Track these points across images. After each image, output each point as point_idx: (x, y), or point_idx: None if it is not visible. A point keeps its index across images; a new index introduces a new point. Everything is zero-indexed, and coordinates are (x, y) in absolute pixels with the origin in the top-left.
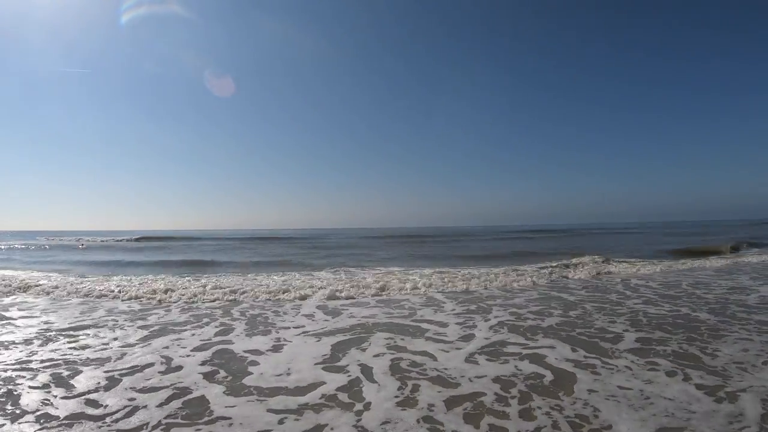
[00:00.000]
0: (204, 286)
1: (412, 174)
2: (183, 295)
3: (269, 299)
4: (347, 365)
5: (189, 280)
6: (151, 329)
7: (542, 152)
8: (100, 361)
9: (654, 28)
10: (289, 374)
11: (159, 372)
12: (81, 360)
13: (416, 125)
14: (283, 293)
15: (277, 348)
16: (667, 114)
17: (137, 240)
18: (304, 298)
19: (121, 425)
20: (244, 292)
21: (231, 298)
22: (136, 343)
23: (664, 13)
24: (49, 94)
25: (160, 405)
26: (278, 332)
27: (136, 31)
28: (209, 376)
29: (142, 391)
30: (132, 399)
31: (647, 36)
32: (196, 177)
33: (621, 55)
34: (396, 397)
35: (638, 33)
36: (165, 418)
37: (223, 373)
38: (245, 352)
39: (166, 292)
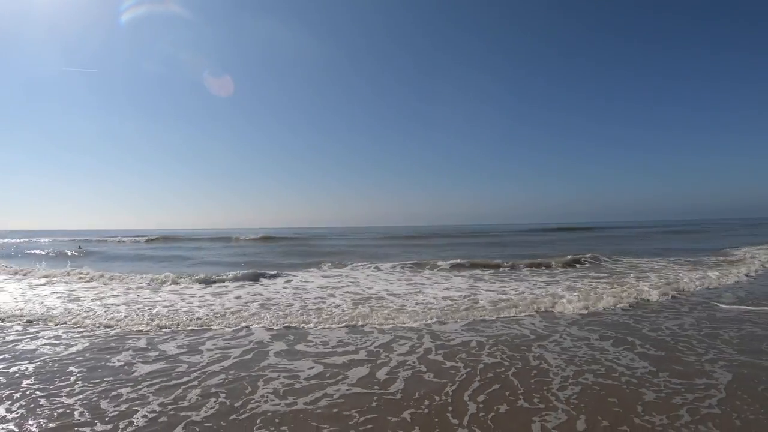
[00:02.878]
0: None
1: (404, 177)
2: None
3: None
4: None
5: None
6: None
7: (531, 157)
8: None
9: (658, 25)
10: None
11: None
12: None
13: (408, 132)
14: None
15: None
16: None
17: (149, 240)
18: None
19: None
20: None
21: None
22: None
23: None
24: (50, 93)
25: None
26: None
27: (136, 31)
28: None
29: None
30: None
31: (647, 39)
32: (195, 175)
33: (614, 64)
34: None
35: (637, 37)
36: None
37: None
38: None
39: None
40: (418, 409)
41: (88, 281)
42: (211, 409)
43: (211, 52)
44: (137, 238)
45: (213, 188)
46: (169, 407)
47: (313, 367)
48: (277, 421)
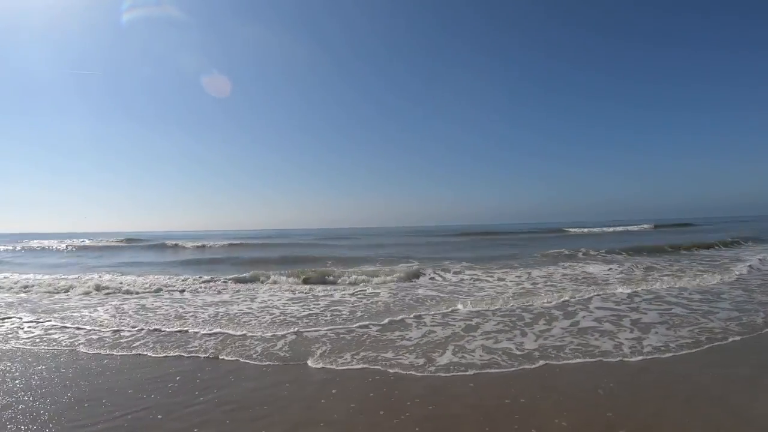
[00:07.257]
0: None
1: (409, 172)
2: None
3: None
4: None
5: None
6: None
7: (544, 149)
8: None
9: (660, 18)
10: None
11: None
12: None
13: (413, 123)
14: None
15: None
16: (673, 107)
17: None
18: None
19: None
20: None
21: None
22: None
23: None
24: (48, 96)
25: None
26: None
27: (134, 35)
28: None
29: None
30: None
31: (652, 28)
32: (191, 179)
33: (626, 48)
34: None
35: (643, 25)
36: None
37: None
38: None
39: None
40: None
41: None
42: None
43: (208, 55)
44: (107, 243)
45: (219, 190)
46: None
47: None
48: None
